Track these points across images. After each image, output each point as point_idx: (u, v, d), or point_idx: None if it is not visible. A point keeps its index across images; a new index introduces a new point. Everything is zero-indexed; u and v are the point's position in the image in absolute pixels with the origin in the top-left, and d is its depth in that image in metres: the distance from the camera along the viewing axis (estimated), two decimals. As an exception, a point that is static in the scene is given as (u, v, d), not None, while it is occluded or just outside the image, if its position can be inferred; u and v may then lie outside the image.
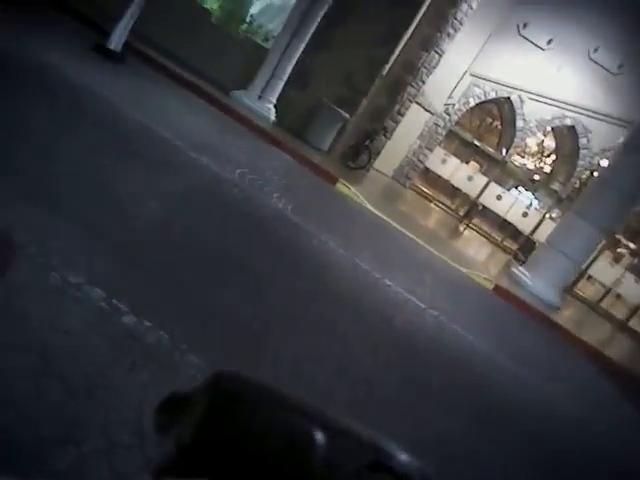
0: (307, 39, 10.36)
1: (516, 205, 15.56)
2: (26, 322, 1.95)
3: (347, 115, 10.82)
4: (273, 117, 10.63)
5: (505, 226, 16.54)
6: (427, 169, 15.77)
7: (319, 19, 10.29)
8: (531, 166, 19.30)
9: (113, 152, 4.46)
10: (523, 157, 19.22)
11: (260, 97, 10.49)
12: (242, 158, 6.79)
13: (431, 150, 14.89)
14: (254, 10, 13.10)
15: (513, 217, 15.43)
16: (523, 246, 14.25)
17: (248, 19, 12.85)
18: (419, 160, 14.94)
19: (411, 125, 13.74)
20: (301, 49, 10.42)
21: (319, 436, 0.28)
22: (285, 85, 10.64)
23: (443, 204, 17.13)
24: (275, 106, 10.70)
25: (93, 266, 2.55)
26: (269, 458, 0.27)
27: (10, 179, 2.98)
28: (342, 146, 11.52)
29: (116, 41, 7.59)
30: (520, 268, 9.88)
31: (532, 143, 18.63)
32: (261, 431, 0.28)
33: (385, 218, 8.20)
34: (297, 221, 5.43)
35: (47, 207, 2.89)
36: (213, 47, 10.81)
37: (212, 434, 0.28)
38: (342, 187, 8.66)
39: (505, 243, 16.18)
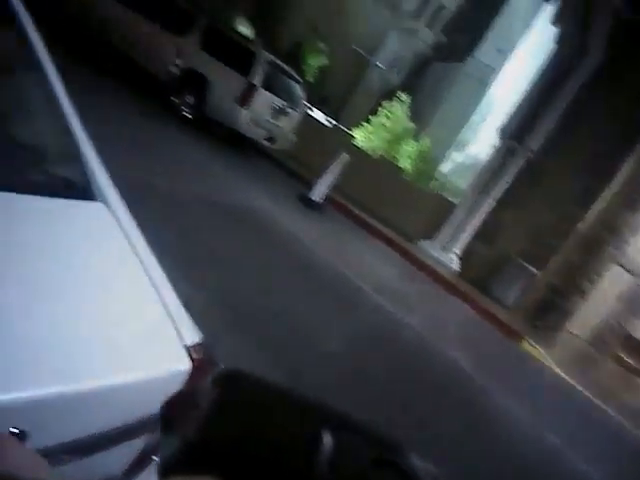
0: (496, 196, 10.52)
1: None
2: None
3: (535, 271, 10.33)
4: (457, 268, 10.62)
5: None
6: (632, 337, 13.89)
7: (509, 178, 10.46)
8: None
9: (304, 288, 4.83)
10: None
11: (445, 248, 10.66)
12: (423, 306, 6.79)
13: (637, 317, 13.23)
14: (444, 169, 13.85)
15: None
16: None
17: (438, 176, 13.59)
18: (621, 326, 13.31)
19: (611, 287, 12.52)
20: (489, 205, 10.56)
21: (324, 432, 0.28)
22: (471, 239, 10.73)
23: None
24: (460, 258, 10.74)
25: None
26: (274, 454, 0.27)
27: (217, 305, 3.37)
28: (528, 303, 10.86)
29: (318, 192, 8.55)
30: None
31: None
32: (266, 429, 0.28)
33: (578, 387, 7.26)
34: (476, 378, 5.11)
35: (242, 329, 3.17)
36: (403, 201, 11.55)
37: (218, 431, 0.28)
38: (527, 346, 8.02)
39: None
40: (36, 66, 1.27)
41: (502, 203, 10.64)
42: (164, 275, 1.16)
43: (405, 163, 13.04)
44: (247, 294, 3.93)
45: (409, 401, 3.87)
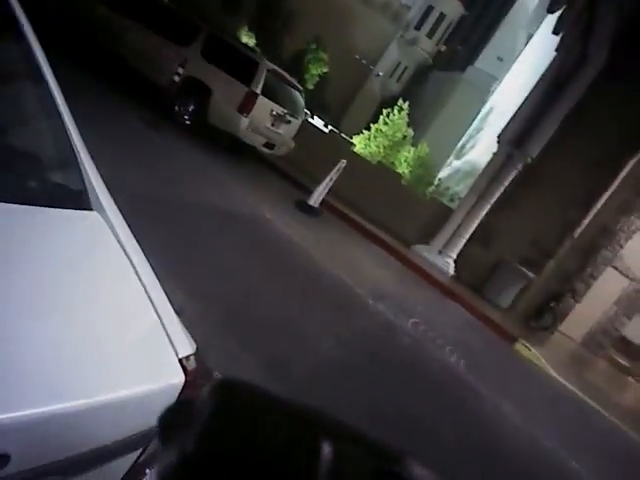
0: (493, 200, 10.70)
1: None
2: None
3: (531, 274, 10.50)
4: (452, 272, 10.79)
5: None
6: (624, 338, 14.02)
7: (507, 182, 10.64)
8: None
9: (301, 293, 4.99)
10: None
11: (441, 252, 10.84)
12: (418, 309, 6.95)
13: (630, 318, 13.36)
14: (442, 174, 14.04)
15: None
16: None
17: (436, 182, 13.78)
18: (615, 328, 13.44)
19: (605, 290, 12.65)
20: (486, 209, 10.74)
21: (324, 444, 0.28)
22: (467, 242, 10.89)
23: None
24: (455, 262, 10.91)
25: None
26: (273, 467, 0.27)
27: (219, 313, 3.55)
28: (524, 305, 11.02)
29: (316, 198, 8.76)
30: None
31: None
32: (265, 440, 0.28)
33: (570, 387, 7.41)
34: (469, 379, 5.25)
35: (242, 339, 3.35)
36: (401, 206, 11.75)
37: (216, 443, 0.28)
38: (522, 348, 8.17)
39: None
40: (35, 73, 1.27)
41: (499, 207, 10.80)
42: (159, 285, 1.15)
43: (403, 169, 13.31)
44: (242, 299, 4.09)
45: (400, 394, 4.04)
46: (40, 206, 1.07)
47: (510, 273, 10.59)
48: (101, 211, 1.19)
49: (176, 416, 0.32)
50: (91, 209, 1.18)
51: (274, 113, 9.32)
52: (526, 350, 8.12)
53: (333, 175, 8.85)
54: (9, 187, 1.07)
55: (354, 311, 5.42)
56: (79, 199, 1.17)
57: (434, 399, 4.41)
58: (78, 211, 1.15)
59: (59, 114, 1.25)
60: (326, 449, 0.27)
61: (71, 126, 1.26)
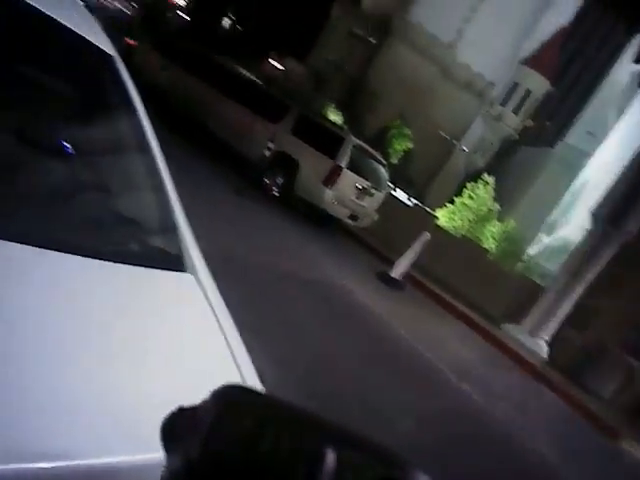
0: (590, 279, 10.02)
1: None
2: None
3: (636, 362, 9.53)
4: (545, 355, 10.03)
5: None
6: None
7: (604, 261, 9.98)
8: None
9: (383, 369, 4.79)
10: None
11: (532, 333, 10.16)
12: (506, 392, 6.46)
13: None
14: (532, 251, 13.47)
15: None
16: None
17: (525, 258, 13.20)
18: None
19: None
20: (582, 289, 10.06)
21: (328, 451, 0.27)
22: (562, 324, 10.18)
23: None
24: (549, 344, 10.16)
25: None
26: (276, 473, 0.27)
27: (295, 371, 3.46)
28: (628, 397, 9.94)
29: (398, 270, 8.60)
30: None
31: None
32: (268, 446, 0.28)
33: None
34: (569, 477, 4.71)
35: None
36: (487, 281, 11.27)
37: (219, 449, 0.28)
38: (626, 445, 7.27)
39: None
40: (144, 145, 1.38)
41: (597, 287, 10.10)
42: (244, 347, 1.17)
43: (489, 244, 12.89)
44: (320, 367, 3.98)
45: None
46: (140, 266, 1.15)
47: (611, 360, 9.68)
48: (194, 273, 1.27)
49: (179, 422, 0.32)
50: (185, 271, 1.26)
51: (358, 186, 9.48)
52: (631, 447, 7.21)
53: (416, 248, 8.71)
54: (114, 247, 1.19)
55: (436, 389, 5.11)
56: (175, 261, 1.26)
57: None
58: (173, 272, 1.24)
59: (162, 182, 1.35)
60: (329, 455, 0.27)
61: (172, 193, 1.36)
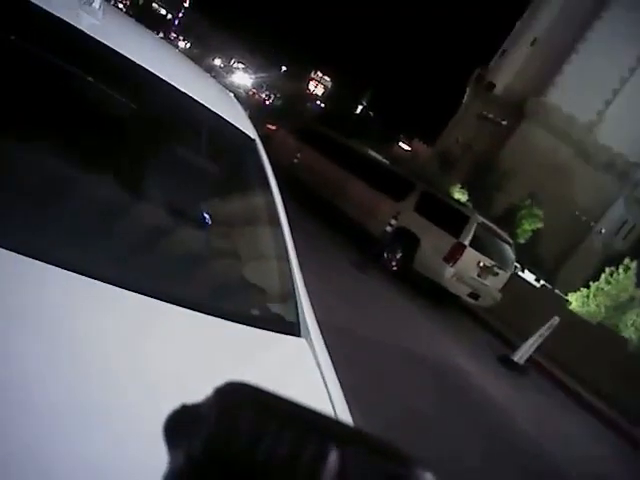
0: None
1: None
2: None
3: None
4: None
5: None
6: None
7: None
8: None
9: (493, 458, 4.54)
10: None
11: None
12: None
13: None
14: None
15: None
16: None
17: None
18: None
19: None
20: None
21: (330, 447, 0.27)
22: None
23: None
24: None
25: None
26: (279, 471, 0.27)
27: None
28: None
29: (522, 355, 8.18)
30: None
31: None
32: (270, 445, 0.27)
33: None
34: None
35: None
36: (628, 375, 10.18)
37: (221, 447, 0.28)
38: None
39: None
40: (275, 219, 1.52)
41: None
42: (349, 415, 1.20)
43: (630, 333, 11.67)
44: (430, 453, 3.90)
45: None
46: (258, 328, 1.22)
47: None
48: (308, 339, 1.33)
49: (182, 420, 0.31)
50: (300, 336, 1.33)
51: (481, 265, 9.35)
52: None
53: (544, 332, 8.26)
54: (237, 310, 1.28)
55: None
56: (292, 326, 1.34)
57: None
58: (289, 336, 1.31)
59: (287, 254, 1.46)
60: (332, 452, 0.27)
61: (295, 263, 1.47)
